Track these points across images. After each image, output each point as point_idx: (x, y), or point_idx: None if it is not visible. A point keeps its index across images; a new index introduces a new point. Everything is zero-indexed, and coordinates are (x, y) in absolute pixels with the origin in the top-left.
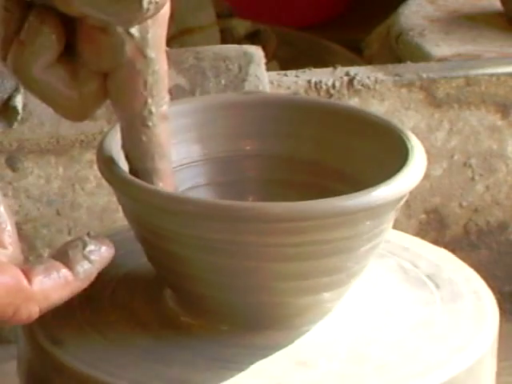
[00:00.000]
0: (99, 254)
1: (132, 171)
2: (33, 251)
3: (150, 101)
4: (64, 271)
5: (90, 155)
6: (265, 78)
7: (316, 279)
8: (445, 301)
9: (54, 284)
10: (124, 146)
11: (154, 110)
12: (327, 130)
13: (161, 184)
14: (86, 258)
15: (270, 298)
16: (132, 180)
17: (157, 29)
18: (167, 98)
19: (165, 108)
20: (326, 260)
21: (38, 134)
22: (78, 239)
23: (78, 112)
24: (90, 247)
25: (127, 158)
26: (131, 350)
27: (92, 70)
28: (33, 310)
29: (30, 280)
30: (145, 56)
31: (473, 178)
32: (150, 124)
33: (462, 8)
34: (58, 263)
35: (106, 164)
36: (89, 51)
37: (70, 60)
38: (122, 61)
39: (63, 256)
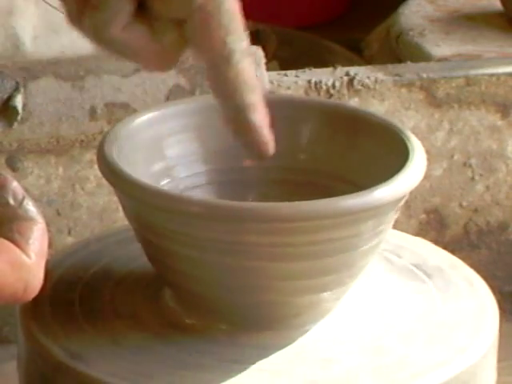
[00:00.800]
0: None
1: (224, 110)
2: None
3: (228, 39)
4: (38, 226)
5: (90, 155)
6: (265, 78)
7: (316, 279)
8: (445, 301)
9: (40, 242)
10: (211, 87)
11: (234, 47)
12: (327, 130)
13: (253, 117)
14: (19, 203)
15: (270, 298)
16: (133, 180)
17: None
18: (245, 34)
19: (245, 44)
20: (326, 260)
21: (38, 133)
22: None
23: (162, 63)
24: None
25: (217, 98)
26: (131, 350)
27: (168, 21)
28: (39, 280)
29: (23, 250)
30: None
31: (473, 178)
32: (234, 61)
33: (462, 8)
34: (20, 224)
35: (107, 164)
36: (159, 3)
37: (145, 15)
38: (194, 6)
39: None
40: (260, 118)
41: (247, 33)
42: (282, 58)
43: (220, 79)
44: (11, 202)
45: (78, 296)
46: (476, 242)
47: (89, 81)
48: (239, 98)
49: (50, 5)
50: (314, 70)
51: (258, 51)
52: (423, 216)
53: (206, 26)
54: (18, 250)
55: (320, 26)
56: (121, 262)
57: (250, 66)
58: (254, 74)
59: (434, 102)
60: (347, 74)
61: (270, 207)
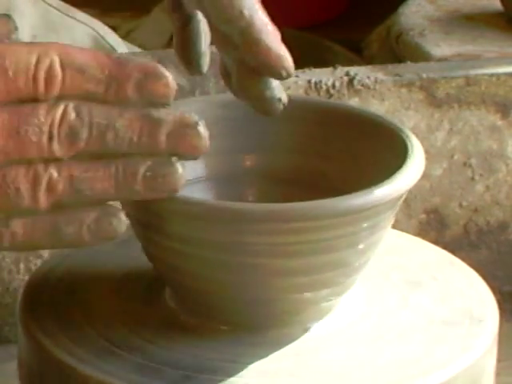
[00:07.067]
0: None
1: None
2: (33, 251)
3: None
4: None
5: None
6: None
7: (314, 276)
8: (444, 301)
9: (75, 46)
10: (217, 17)
11: None
12: (326, 130)
13: (262, 35)
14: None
15: (269, 296)
16: None
17: None
18: None
19: None
20: (326, 258)
21: None
22: None
23: None
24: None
25: (222, 25)
26: (131, 350)
27: None
28: (54, 58)
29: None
30: None
31: (473, 178)
32: None
33: (462, 8)
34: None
35: None
36: None
37: None
38: None
39: None
40: (271, 37)
41: None
42: None
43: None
44: None
45: (78, 296)
46: (476, 242)
47: None
48: (244, 19)
49: (50, 4)
50: (313, 70)
51: None
52: (423, 216)
53: None
54: None
55: (320, 25)
56: (120, 261)
57: None
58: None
59: (434, 101)
60: (347, 74)
61: (270, 208)
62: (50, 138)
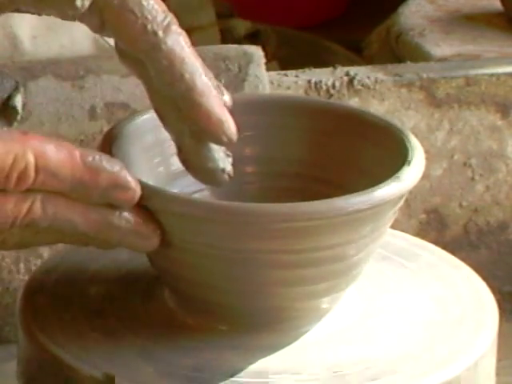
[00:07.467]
0: (116, 162)
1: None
2: (33, 251)
3: (149, 26)
4: (68, 144)
5: None
6: (265, 78)
7: (315, 271)
8: (445, 301)
9: (52, 144)
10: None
11: (157, 29)
12: (326, 130)
13: (203, 99)
14: (99, 155)
15: (269, 291)
16: None
17: None
18: (165, 15)
19: (168, 23)
20: (325, 254)
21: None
22: None
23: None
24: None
25: (164, 88)
26: (130, 350)
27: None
28: (30, 161)
29: (24, 133)
30: None
31: (473, 178)
32: (163, 46)
33: (462, 8)
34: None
35: None
36: None
37: None
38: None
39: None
40: (209, 101)
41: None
42: (282, 58)
43: (158, 68)
44: None
45: (78, 296)
46: (476, 242)
47: (89, 81)
48: (183, 84)
49: None
50: (313, 69)
51: (258, 51)
52: (423, 216)
53: (123, 22)
54: (14, 130)
55: (320, 26)
56: (120, 261)
57: (180, 46)
58: (188, 54)
59: (434, 101)
60: (347, 74)
61: (271, 208)
62: (12, 224)
